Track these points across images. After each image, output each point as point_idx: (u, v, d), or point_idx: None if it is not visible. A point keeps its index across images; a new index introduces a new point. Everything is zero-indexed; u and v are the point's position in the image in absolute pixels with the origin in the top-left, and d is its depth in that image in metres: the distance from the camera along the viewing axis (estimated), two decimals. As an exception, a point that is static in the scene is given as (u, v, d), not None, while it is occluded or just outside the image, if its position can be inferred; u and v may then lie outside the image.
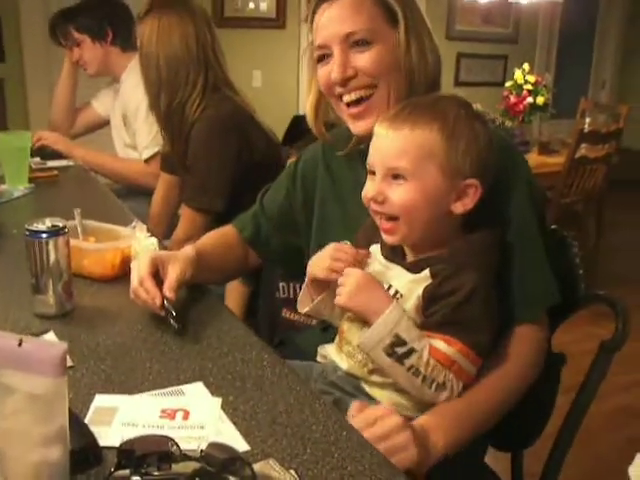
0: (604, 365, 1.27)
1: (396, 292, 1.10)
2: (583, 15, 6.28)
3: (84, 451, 0.78)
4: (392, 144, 1.07)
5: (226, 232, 1.53)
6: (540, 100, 4.24)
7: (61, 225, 1.23)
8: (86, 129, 2.99)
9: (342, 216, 1.36)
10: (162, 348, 1.14)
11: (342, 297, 1.09)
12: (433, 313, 1.06)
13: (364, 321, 1.11)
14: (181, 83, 2.00)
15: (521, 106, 4.24)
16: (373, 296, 1.07)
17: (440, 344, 1.04)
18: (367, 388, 1.13)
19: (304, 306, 1.23)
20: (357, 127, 1.26)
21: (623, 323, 1.22)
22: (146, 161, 2.54)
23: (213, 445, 0.78)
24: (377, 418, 0.99)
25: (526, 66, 4.37)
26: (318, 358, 1.25)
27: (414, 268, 1.11)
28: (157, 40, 2.00)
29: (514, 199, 1.16)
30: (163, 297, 1.21)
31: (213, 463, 0.76)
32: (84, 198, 2.13)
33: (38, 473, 0.69)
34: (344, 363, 1.17)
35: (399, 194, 1.07)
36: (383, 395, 1.12)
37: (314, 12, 1.26)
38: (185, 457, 0.78)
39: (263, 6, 4.75)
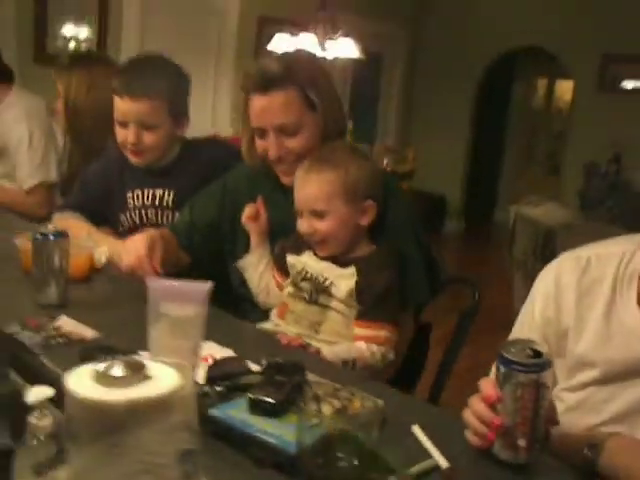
0: (464, 329, 1.79)
1: (331, 283, 1.53)
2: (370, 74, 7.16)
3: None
4: (308, 192, 1.55)
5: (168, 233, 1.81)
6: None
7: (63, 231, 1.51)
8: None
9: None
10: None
11: None
12: (361, 301, 1.51)
13: (305, 298, 1.55)
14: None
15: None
16: None
17: (368, 331, 1.50)
18: (315, 344, 1.51)
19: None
20: (285, 180, 1.69)
21: (477, 296, 1.76)
22: (29, 191, 2.67)
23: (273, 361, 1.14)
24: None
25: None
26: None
27: (341, 263, 1.56)
28: (87, 91, 2.28)
29: (396, 213, 1.64)
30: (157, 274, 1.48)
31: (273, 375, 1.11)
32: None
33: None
34: (292, 327, 1.55)
35: (323, 227, 1.53)
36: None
37: (247, 98, 1.66)
38: (250, 372, 1.13)
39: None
